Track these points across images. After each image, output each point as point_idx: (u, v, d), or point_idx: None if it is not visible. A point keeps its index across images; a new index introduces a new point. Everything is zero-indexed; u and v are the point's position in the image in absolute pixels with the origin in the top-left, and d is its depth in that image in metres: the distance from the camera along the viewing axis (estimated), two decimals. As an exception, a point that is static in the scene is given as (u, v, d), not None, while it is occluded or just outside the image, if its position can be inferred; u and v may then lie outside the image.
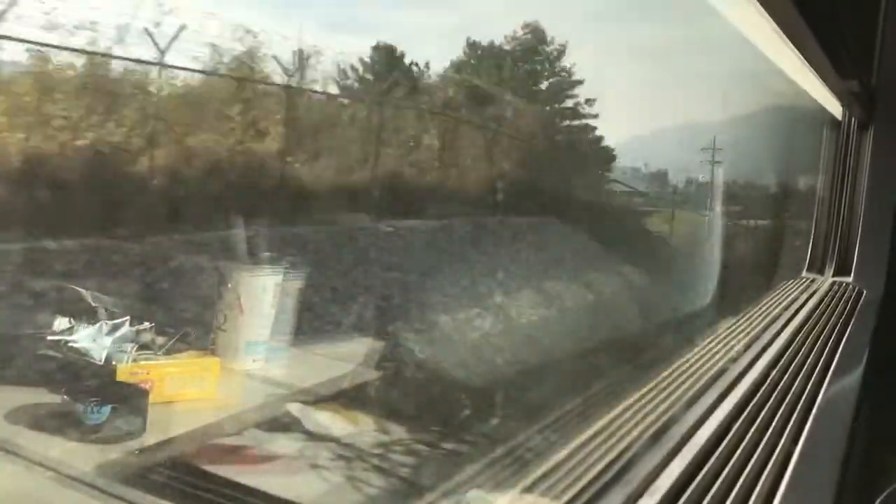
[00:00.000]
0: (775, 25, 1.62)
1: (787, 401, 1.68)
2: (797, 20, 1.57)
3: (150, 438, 1.53)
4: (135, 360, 1.73)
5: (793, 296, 3.19)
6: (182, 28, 3.76)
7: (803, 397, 1.73)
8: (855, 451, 1.76)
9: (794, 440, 1.47)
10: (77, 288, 1.93)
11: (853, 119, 3.69)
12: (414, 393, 2.12)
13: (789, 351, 2.15)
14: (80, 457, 1.42)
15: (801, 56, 1.99)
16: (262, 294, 2.00)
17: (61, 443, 1.45)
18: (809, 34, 1.68)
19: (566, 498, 1.13)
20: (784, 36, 1.71)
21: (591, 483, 1.15)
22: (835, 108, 3.53)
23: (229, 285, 2.00)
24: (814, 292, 3.32)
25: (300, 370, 2.15)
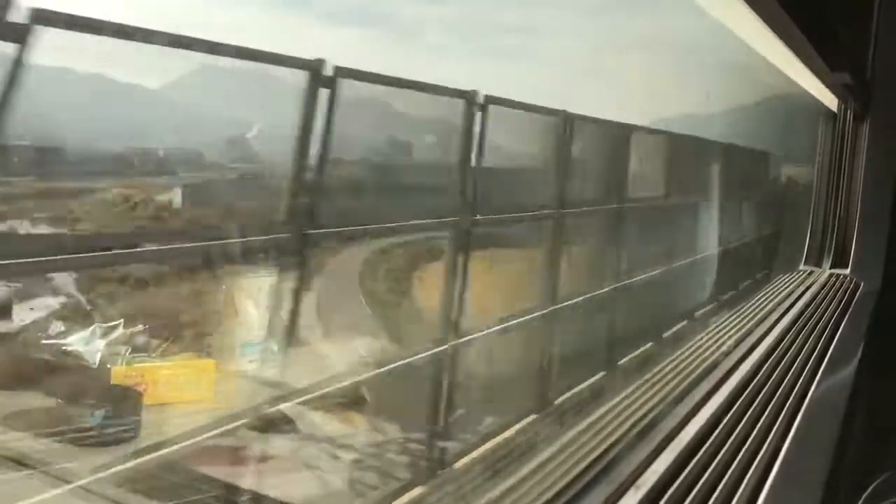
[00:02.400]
0: (761, 20, 1.62)
1: (777, 395, 1.68)
2: (781, 14, 1.56)
3: (144, 441, 1.55)
4: (129, 363, 1.75)
5: (789, 288, 3.19)
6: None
7: (794, 391, 1.73)
8: (849, 442, 1.76)
9: (783, 435, 1.47)
10: (73, 292, 1.95)
11: (849, 111, 3.67)
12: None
13: (783, 344, 2.14)
14: (74, 460, 1.43)
15: (789, 49, 1.99)
16: (257, 296, 2.01)
17: (55, 446, 1.47)
18: (795, 28, 1.68)
19: (552, 492, 1.13)
20: (770, 30, 1.71)
21: (576, 479, 1.16)
22: (829, 100, 3.52)
23: (224, 287, 2.01)
24: (811, 284, 3.31)
25: (295, 370, 2.16)
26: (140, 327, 1.80)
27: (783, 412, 1.60)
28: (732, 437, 1.40)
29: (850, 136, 3.70)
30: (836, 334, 2.42)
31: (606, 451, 1.23)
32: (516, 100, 4.87)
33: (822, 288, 3.24)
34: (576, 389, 3.88)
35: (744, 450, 1.36)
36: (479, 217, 4.01)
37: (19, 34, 2.49)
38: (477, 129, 4.24)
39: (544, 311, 4.34)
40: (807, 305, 2.81)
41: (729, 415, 1.50)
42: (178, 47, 2.89)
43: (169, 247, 2.62)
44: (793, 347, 2.14)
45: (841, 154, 3.76)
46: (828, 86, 2.93)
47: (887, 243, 3.53)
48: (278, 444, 1.78)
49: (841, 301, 2.99)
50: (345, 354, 2.41)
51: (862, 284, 3.39)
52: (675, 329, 4.70)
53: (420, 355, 3.05)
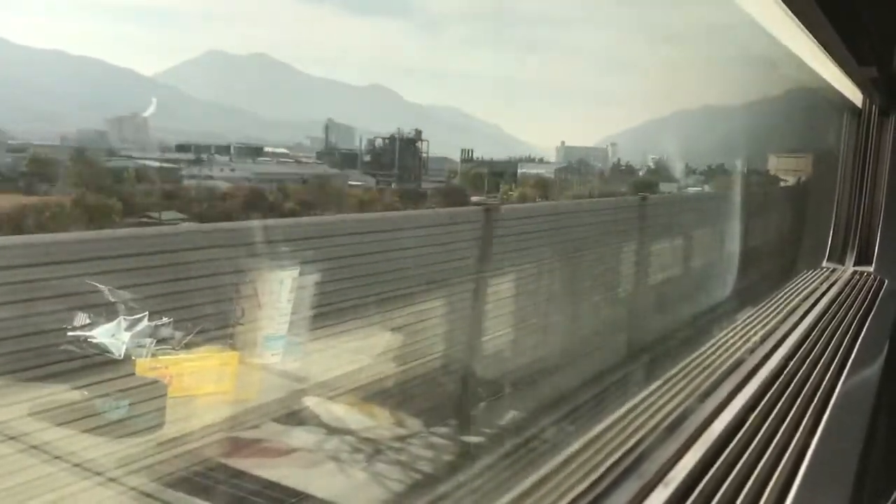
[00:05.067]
0: (789, 11, 1.60)
1: (804, 392, 1.67)
2: (812, 6, 1.55)
3: (168, 432, 1.55)
4: (153, 355, 1.75)
5: (812, 285, 3.16)
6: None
7: (821, 389, 1.72)
8: (876, 442, 1.75)
9: (812, 432, 1.46)
10: (96, 283, 1.95)
11: (874, 106, 3.63)
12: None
13: (808, 342, 2.13)
14: (100, 451, 1.44)
15: (817, 42, 1.97)
16: (280, 288, 2.01)
17: (81, 437, 1.48)
18: (825, 20, 1.66)
19: (581, 488, 1.13)
20: (798, 22, 1.69)
21: (605, 474, 1.15)
22: (855, 95, 3.48)
23: (247, 280, 2.01)
24: (834, 282, 3.29)
25: (318, 364, 2.17)
26: (164, 319, 1.81)
27: (810, 410, 1.58)
28: (760, 434, 1.39)
29: (875, 131, 3.66)
30: (860, 332, 2.40)
31: (635, 446, 1.23)
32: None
33: (846, 286, 3.21)
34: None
35: (772, 447, 1.35)
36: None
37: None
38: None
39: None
40: (831, 303, 2.78)
41: (756, 411, 1.49)
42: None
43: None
44: (818, 345, 2.12)
45: (865, 150, 3.72)
46: (854, 80, 2.90)
47: (912, 240, 3.49)
48: (302, 436, 1.78)
49: (865, 299, 2.96)
50: (368, 349, 2.43)
51: (886, 282, 3.36)
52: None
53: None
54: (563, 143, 6.74)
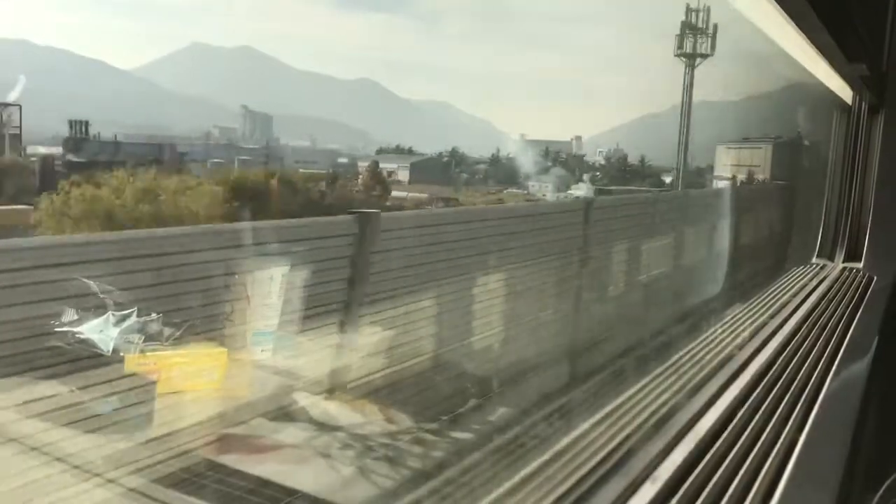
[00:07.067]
0: (779, 8, 1.60)
1: (792, 388, 1.67)
2: (801, 3, 1.55)
3: (157, 429, 1.55)
4: (142, 351, 1.74)
5: (802, 282, 3.17)
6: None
7: (809, 385, 1.72)
8: (864, 437, 1.76)
9: (800, 428, 1.46)
10: (85, 280, 1.94)
11: (863, 103, 3.65)
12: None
13: (797, 338, 2.13)
14: (88, 447, 1.44)
15: (806, 39, 1.97)
16: (269, 284, 2.01)
17: (69, 434, 1.47)
18: (814, 17, 1.66)
19: (567, 485, 1.13)
20: (788, 18, 1.69)
21: (591, 471, 1.15)
22: (844, 91, 3.49)
23: (236, 276, 2.01)
24: (824, 278, 3.30)
25: (308, 360, 2.17)
26: (153, 315, 1.80)
27: (799, 405, 1.59)
28: (748, 430, 1.39)
29: (865, 128, 3.67)
30: (850, 328, 2.40)
31: (621, 443, 1.23)
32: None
33: (836, 282, 3.23)
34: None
35: (760, 442, 1.35)
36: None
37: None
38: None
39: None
40: (820, 299, 2.79)
41: (745, 407, 1.49)
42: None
43: None
44: (807, 341, 2.13)
45: (855, 146, 3.73)
46: (844, 77, 2.90)
47: (901, 237, 3.51)
48: (291, 432, 1.78)
49: (854, 295, 2.97)
50: (360, 345, 2.42)
51: (875, 278, 3.37)
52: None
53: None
54: (522, 135, 6.58)
